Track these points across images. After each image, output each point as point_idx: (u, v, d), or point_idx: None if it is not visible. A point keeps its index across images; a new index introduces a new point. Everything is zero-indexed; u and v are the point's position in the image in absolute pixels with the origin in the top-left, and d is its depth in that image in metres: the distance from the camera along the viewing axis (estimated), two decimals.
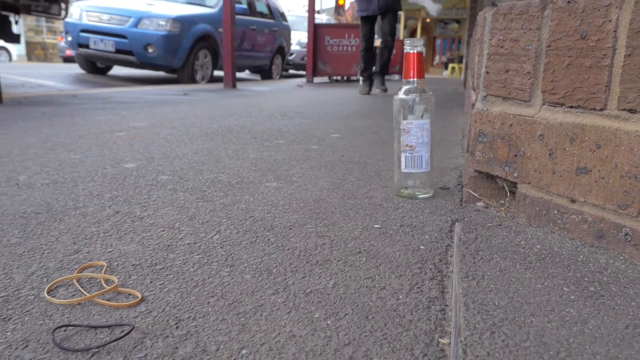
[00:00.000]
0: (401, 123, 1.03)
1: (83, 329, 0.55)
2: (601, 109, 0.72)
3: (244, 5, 7.08)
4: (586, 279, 0.66)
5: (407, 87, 1.02)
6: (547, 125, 0.80)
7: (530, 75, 0.82)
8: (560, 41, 0.76)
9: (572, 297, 0.61)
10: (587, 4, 0.72)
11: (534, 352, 0.50)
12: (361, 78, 5.13)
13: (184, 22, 5.73)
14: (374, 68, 5.25)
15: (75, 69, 7.90)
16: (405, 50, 1.01)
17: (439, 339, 0.54)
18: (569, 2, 0.75)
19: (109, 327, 0.55)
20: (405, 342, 0.53)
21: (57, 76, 6.38)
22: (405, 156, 1.04)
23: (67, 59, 12.63)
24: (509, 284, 0.65)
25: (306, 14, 8.23)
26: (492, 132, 0.91)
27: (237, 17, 6.12)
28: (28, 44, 17.20)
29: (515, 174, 0.87)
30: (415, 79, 1.02)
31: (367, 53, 5.05)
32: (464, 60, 6.59)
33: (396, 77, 9.66)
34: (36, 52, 17.19)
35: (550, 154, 0.80)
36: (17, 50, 15.52)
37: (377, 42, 6.11)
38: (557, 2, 0.76)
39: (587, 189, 0.76)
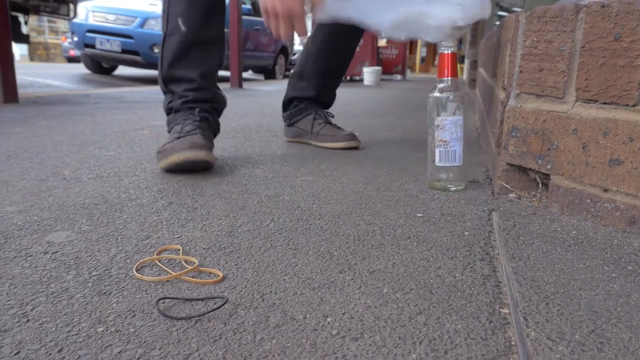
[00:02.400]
0: (435, 119, 1.09)
1: (179, 302, 0.61)
2: (634, 105, 0.79)
3: (248, 6, 7.15)
4: (623, 259, 0.72)
5: (441, 85, 1.09)
6: (580, 121, 0.87)
7: (564, 74, 0.88)
8: (594, 42, 0.83)
9: (613, 274, 0.67)
10: (621, 8, 0.78)
11: (587, 319, 0.56)
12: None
13: None
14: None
15: (80, 69, 7.94)
16: (440, 51, 1.08)
17: (500, 309, 0.60)
18: (602, 6, 0.81)
19: (202, 300, 0.61)
20: (470, 311, 0.59)
21: (64, 76, 6.43)
22: (440, 150, 1.10)
23: (71, 59, 12.68)
24: (553, 264, 0.71)
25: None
26: (526, 127, 0.97)
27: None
28: (30, 44, 17.21)
29: (548, 166, 0.94)
30: (449, 78, 1.08)
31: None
32: (465, 61, 6.65)
33: (398, 77, 9.72)
34: (38, 52, 17.20)
35: (583, 147, 0.87)
36: (19, 50, 15.54)
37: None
38: (591, 6, 0.83)
39: (619, 179, 0.82)
